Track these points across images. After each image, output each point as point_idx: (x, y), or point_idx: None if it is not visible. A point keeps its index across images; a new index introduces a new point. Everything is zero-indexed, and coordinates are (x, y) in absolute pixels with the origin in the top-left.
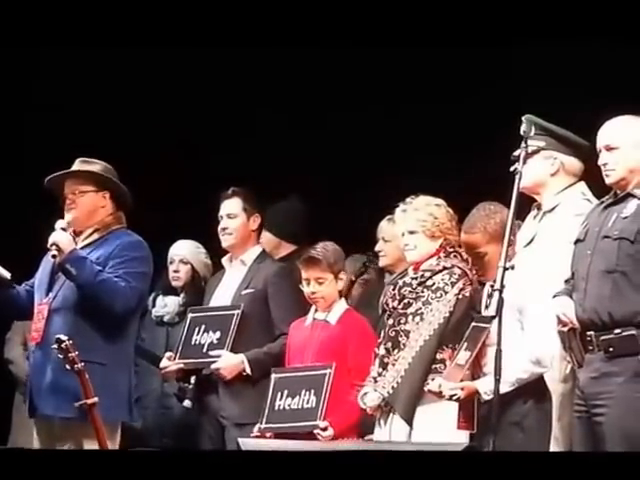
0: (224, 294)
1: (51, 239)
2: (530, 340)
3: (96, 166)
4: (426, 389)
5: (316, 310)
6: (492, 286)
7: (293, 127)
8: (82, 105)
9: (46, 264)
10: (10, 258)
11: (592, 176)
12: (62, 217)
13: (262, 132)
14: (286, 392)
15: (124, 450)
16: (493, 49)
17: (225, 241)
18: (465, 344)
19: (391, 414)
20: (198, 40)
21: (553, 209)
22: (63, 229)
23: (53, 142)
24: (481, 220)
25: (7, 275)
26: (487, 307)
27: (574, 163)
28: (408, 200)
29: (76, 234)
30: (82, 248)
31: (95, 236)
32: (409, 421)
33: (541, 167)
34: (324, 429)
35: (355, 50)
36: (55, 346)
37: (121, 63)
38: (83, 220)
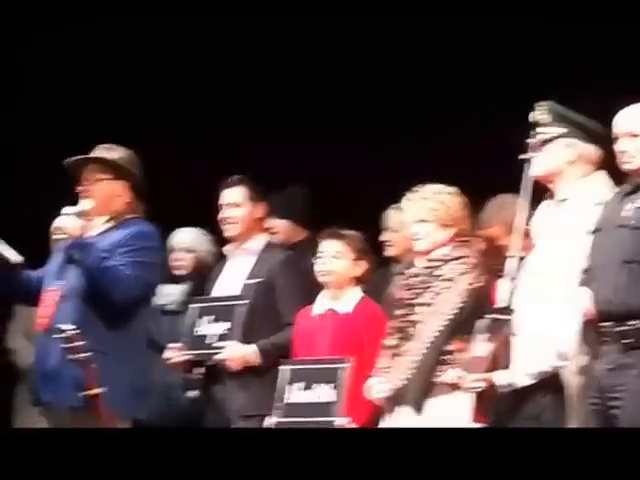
0: (228, 284)
1: (56, 223)
2: (553, 333)
3: (116, 153)
4: (439, 380)
5: (326, 297)
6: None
7: (297, 111)
8: (95, 90)
9: (59, 251)
10: (29, 243)
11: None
12: (76, 201)
13: (263, 119)
14: (300, 385)
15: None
16: (509, 37)
17: (228, 230)
18: (482, 335)
19: (400, 406)
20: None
21: (570, 198)
22: (70, 214)
23: (70, 127)
24: (497, 213)
25: (19, 259)
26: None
27: (592, 151)
28: (415, 189)
29: (91, 221)
30: (96, 235)
31: (109, 224)
32: (419, 413)
33: (558, 155)
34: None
35: (366, 24)
36: (59, 335)
37: (132, 47)
38: (99, 208)
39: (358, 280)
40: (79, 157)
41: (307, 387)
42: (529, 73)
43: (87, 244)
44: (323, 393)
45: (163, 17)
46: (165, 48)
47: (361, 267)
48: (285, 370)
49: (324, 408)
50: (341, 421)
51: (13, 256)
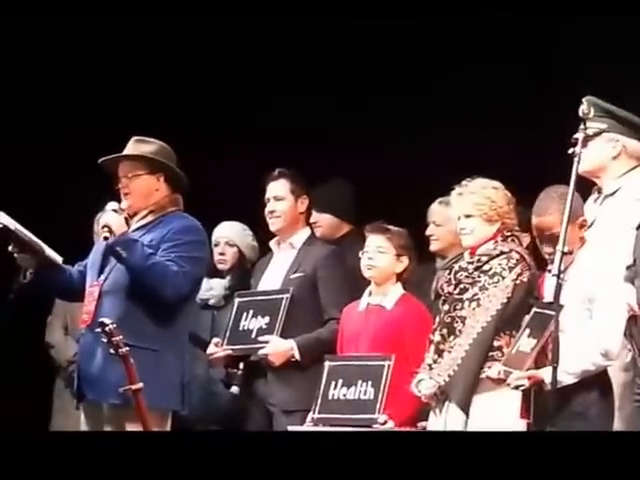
0: (272, 278)
1: (102, 221)
2: (599, 331)
3: (150, 147)
4: (484, 375)
5: (370, 293)
6: (550, 271)
7: (338, 108)
8: (134, 84)
9: (99, 245)
10: (65, 239)
11: None
12: (116, 198)
13: (307, 113)
14: (341, 381)
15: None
16: (556, 31)
17: (273, 224)
18: (527, 331)
19: (447, 402)
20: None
21: (614, 193)
22: (115, 211)
23: (105, 122)
24: (555, 202)
25: (59, 259)
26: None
27: (636, 146)
28: (464, 183)
29: (130, 217)
30: (135, 230)
31: (149, 218)
32: (465, 410)
33: (602, 150)
34: (383, 423)
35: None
36: (99, 329)
37: (173, 44)
38: (137, 204)
39: (399, 276)
40: (112, 156)
41: (349, 384)
42: (577, 68)
43: (132, 241)
44: (364, 390)
45: (197, 17)
46: (203, 46)
47: (402, 263)
48: (327, 366)
49: (365, 405)
50: (381, 419)
51: (53, 255)
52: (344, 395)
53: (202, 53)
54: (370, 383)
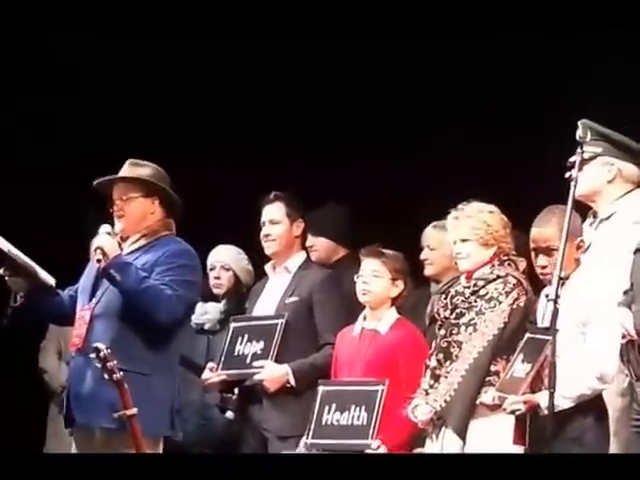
0: (268, 302)
1: (96, 243)
2: (594, 355)
3: (146, 170)
4: (478, 401)
5: (365, 318)
6: (547, 296)
7: (336, 128)
8: (129, 108)
9: (90, 268)
10: (56, 263)
11: None
12: (109, 221)
13: (302, 135)
14: (334, 406)
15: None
16: (554, 58)
17: (268, 248)
18: (521, 355)
19: (443, 428)
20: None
21: (610, 217)
22: (108, 233)
23: (100, 145)
24: (556, 216)
25: (52, 282)
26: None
27: (632, 170)
28: (460, 207)
29: (123, 240)
30: (128, 254)
31: (142, 242)
32: (462, 435)
33: (598, 174)
34: (376, 448)
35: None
36: (93, 355)
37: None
38: (131, 227)
39: (394, 301)
40: (107, 178)
41: (342, 408)
42: (574, 89)
43: (126, 263)
44: (357, 415)
45: (197, 35)
46: (202, 67)
47: (398, 288)
48: (321, 391)
49: (357, 431)
50: (374, 444)
51: (46, 278)
52: (337, 420)
53: (193, 76)
54: (363, 408)
